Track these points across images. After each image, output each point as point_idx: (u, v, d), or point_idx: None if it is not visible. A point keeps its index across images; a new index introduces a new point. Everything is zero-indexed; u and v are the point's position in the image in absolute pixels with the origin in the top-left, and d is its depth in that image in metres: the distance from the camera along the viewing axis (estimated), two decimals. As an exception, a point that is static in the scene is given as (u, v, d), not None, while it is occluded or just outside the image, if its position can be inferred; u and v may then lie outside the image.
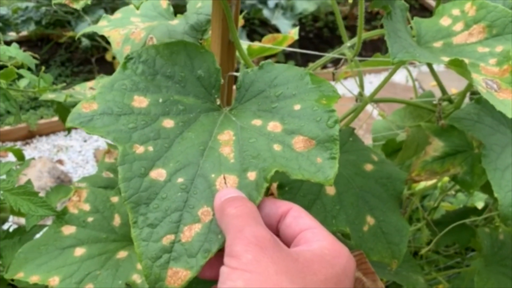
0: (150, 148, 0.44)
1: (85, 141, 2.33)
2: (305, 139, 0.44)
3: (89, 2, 0.51)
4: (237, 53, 0.64)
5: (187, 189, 0.43)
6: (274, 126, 0.46)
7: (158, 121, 0.46)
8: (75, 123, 0.44)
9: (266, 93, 0.49)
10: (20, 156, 1.07)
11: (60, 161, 2.22)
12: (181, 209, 0.42)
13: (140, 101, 0.47)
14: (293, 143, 0.44)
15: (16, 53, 0.80)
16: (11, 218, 1.15)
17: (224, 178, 0.43)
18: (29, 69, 0.92)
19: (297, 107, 0.46)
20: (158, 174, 0.43)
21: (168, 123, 0.46)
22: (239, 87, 0.51)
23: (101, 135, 0.44)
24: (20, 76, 0.93)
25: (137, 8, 0.44)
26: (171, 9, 0.75)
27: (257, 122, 0.47)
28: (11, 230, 0.89)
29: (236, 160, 0.44)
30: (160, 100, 0.47)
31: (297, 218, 0.41)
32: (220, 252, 0.42)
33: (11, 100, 0.72)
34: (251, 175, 0.43)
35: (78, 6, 0.53)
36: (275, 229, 0.42)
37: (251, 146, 0.45)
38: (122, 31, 0.67)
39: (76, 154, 2.26)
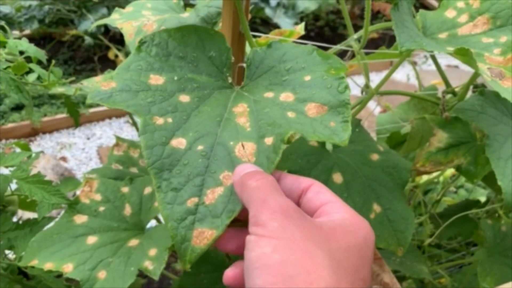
0: (169, 120, 0.46)
1: (88, 138, 2.34)
2: (317, 106, 0.46)
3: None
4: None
5: (207, 155, 0.44)
6: (286, 96, 0.48)
7: (174, 96, 0.48)
8: (95, 99, 0.46)
9: (276, 69, 0.51)
10: (27, 150, 1.08)
11: (64, 158, 2.23)
12: (203, 174, 0.44)
13: (156, 79, 0.49)
14: (306, 109, 0.46)
15: (27, 47, 0.81)
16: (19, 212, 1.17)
17: (242, 145, 0.44)
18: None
19: (307, 78, 0.48)
20: (179, 142, 0.45)
21: (184, 98, 0.48)
22: (249, 65, 0.53)
23: (121, 108, 0.46)
24: (27, 72, 0.94)
25: (155, -3, 0.45)
26: (181, 3, 0.77)
27: (269, 94, 0.49)
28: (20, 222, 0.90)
29: (253, 129, 0.46)
30: (175, 78, 0.49)
31: (318, 193, 0.42)
32: (240, 224, 0.44)
33: (24, 92, 0.73)
34: (268, 140, 0.44)
35: (94, -3, 0.54)
36: (297, 204, 0.43)
37: (265, 115, 0.46)
38: (134, 23, 0.68)
39: (79, 151, 2.27)
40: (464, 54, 0.53)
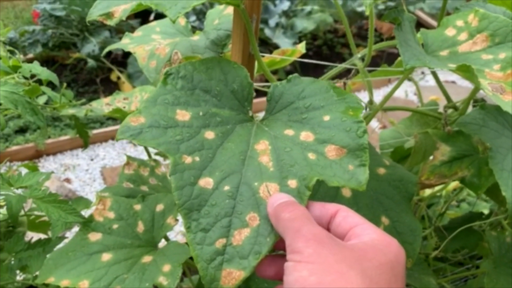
0: (197, 158, 0.47)
1: (92, 159, 2.36)
2: (337, 148, 0.48)
3: (123, 18, 0.56)
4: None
5: (234, 196, 0.46)
6: (307, 136, 0.50)
7: (200, 133, 0.49)
8: (126, 136, 0.47)
9: (295, 105, 0.53)
10: (36, 171, 1.10)
11: (68, 180, 2.25)
12: (230, 215, 0.45)
13: (183, 115, 0.50)
14: (326, 151, 0.48)
15: (41, 70, 0.84)
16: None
17: (266, 186, 0.46)
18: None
19: (326, 118, 0.50)
20: (206, 182, 0.47)
21: (209, 134, 0.50)
22: (269, 99, 0.55)
23: (152, 147, 0.47)
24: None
25: (173, 22, 0.48)
26: (189, 26, 0.80)
27: (289, 132, 0.51)
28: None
29: (275, 169, 0.47)
30: (200, 113, 0.51)
31: (346, 217, 0.45)
32: (278, 251, 0.46)
33: (39, 114, 0.76)
34: (292, 183, 0.46)
35: (112, 22, 0.57)
36: (327, 229, 0.45)
37: (287, 155, 0.48)
38: (146, 47, 0.71)
39: (83, 172, 2.29)
40: (465, 71, 0.55)
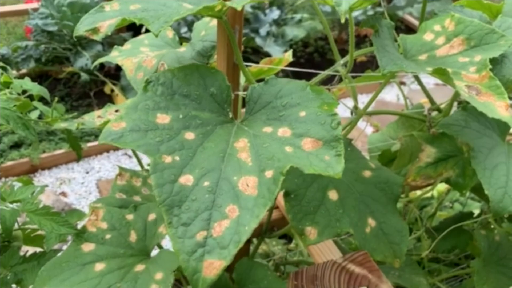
0: (177, 158, 0.50)
1: (87, 172, 2.37)
2: (313, 140, 0.50)
3: (109, 33, 0.57)
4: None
5: (213, 191, 0.48)
6: (284, 132, 0.52)
7: (180, 134, 0.52)
8: (108, 140, 0.50)
9: (273, 104, 0.55)
10: (30, 185, 1.11)
11: (64, 193, 2.25)
12: (210, 208, 0.47)
13: (163, 118, 0.53)
14: (303, 144, 0.50)
15: (32, 86, 0.86)
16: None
17: (246, 179, 0.48)
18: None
19: (302, 113, 0.52)
20: (186, 179, 0.49)
21: (189, 135, 0.52)
22: (248, 101, 0.57)
23: (132, 148, 0.49)
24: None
25: (156, 35, 0.50)
26: (177, 38, 0.82)
27: (268, 129, 0.53)
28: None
29: (254, 163, 0.50)
30: (180, 116, 0.53)
31: None
32: None
33: (30, 129, 0.77)
34: (269, 174, 0.49)
35: (98, 37, 0.59)
36: None
37: (265, 150, 0.50)
38: (134, 59, 0.73)
39: (79, 185, 2.29)
40: (442, 74, 0.57)
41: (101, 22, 0.58)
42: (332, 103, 0.52)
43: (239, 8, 0.52)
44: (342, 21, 0.51)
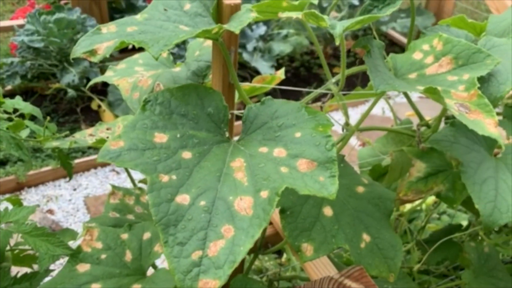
0: (174, 177, 0.50)
1: (74, 189, 2.34)
2: (307, 162, 0.51)
3: (107, 55, 0.58)
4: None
5: (209, 210, 0.49)
6: (279, 152, 0.53)
7: (178, 154, 0.52)
8: (106, 159, 0.50)
9: (269, 124, 0.56)
10: (19, 204, 1.10)
11: (51, 211, 2.22)
12: (205, 228, 0.48)
13: (161, 137, 0.53)
14: (298, 165, 0.51)
15: (24, 105, 0.85)
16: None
17: (241, 199, 0.49)
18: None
19: (297, 134, 0.54)
20: (183, 199, 0.49)
21: (187, 154, 0.53)
22: (244, 121, 0.58)
23: (130, 167, 0.50)
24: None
25: (156, 59, 0.51)
26: (171, 57, 0.83)
27: (264, 149, 0.54)
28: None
29: (249, 183, 0.50)
30: (178, 136, 0.54)
31: None
32: None
33: (24, 149, 0.77)
34: (264, 194, 0.49)
35: (95, 59, 0.59)
36: None
37: (261, 170, 0.51)
38: (129, 79, 0.74)
39: (66, 203, 2.27)
40: (433, 92, 0.59)
41: (99, 44, 0.59)
42: (327, 124, 0.54)
43: (237, 32, 0.53)
44: (337, 43, 0.53)
